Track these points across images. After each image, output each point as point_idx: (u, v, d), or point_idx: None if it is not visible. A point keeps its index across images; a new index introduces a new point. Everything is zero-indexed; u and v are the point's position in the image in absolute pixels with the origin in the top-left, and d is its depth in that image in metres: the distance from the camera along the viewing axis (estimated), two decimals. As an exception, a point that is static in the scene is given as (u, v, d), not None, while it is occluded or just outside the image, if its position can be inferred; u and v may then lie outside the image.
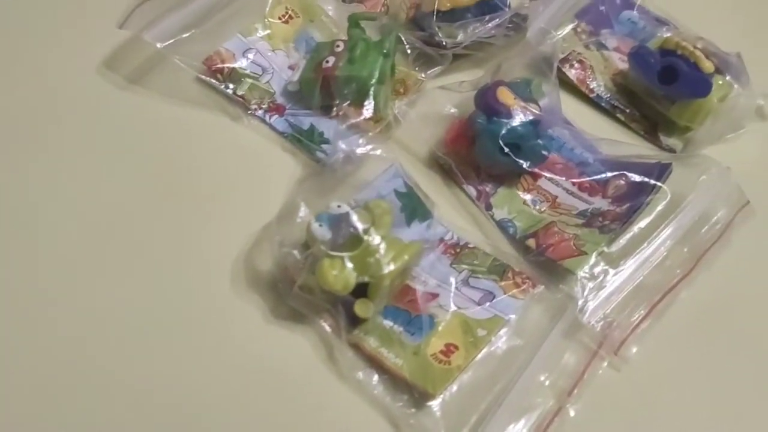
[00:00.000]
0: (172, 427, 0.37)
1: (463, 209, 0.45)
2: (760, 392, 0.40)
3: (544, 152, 0.43)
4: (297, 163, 0.46)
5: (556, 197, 0.45)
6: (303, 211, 0.39)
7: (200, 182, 0.45)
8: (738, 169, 0.46)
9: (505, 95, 0.43)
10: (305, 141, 0.46)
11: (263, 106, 0.48)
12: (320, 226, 0.38)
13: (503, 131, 0.42)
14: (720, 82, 0.46)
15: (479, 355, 0.39)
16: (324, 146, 0.45)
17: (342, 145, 0.42)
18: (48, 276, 0.41)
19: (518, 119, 0.43)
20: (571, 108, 0.50)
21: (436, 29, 0.48)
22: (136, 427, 0.37)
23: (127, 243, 0.43)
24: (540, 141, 0.43)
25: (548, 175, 0.46)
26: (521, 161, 0.43)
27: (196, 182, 0.45)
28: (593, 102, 0.50)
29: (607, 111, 0.50)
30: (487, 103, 0.43)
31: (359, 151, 0.42)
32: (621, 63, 0.51)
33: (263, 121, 0.47)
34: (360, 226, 0.37)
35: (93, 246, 0.42)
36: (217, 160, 0.46)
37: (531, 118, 0.43)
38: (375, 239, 0.37)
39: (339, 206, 0.39)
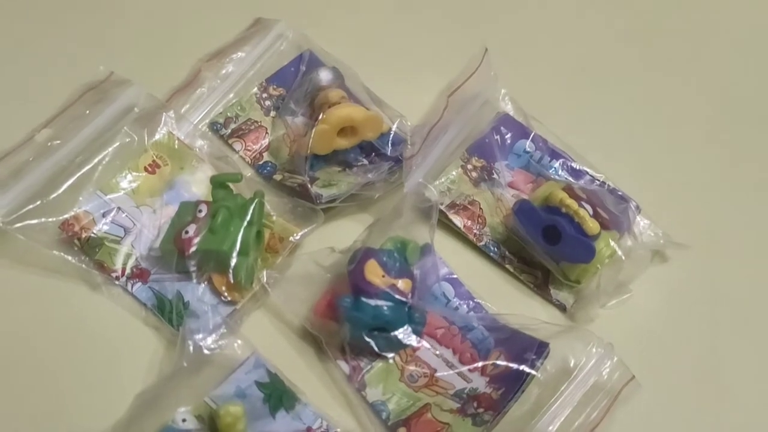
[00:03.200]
0: None
1: (336, 388, 0.42)
2: None
3: (410, 341, 0.41)
4: (159, 340, 0.43)
5: (435, 371, 0.43)
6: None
7: (50, 367, 0.42)
8: (627, 325, 0.45)
9: (372, 273, 0.41)
10: (164, 319, 0.43)
11: (126, 273, 0.44)
12: (158, 451, 0.35)
13: (368, 318, 0.40)
14: (603, 244, 0.44)
15: None
16: (182, 328, 0.41)
17: (196, 338, 0.39)
18: None
19: (385, 305, 0.40)
20: (459, 258, 0.47)
21: (308, 182, 0.45)
22: None
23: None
24: (408, 327, 0.41)
25: (428, 341, 0.44)
26: (385, 353, 0.41)
27: (45, 366, 0.42)
28: (482, 250, 0.48)
29: (496, 261, 0.47)
30: (354, 284, 0.41)
31: (213, 346, 0.39)
32: (514, 201, 0.49)
33: (125, 290, 0.44)
34: (196, 458, 0.35)
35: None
36: (72, 339, 0.43)
37: (400, 300, 0.40)
38: (215, 470, 0.35)
39: (184, 420, 0.37)
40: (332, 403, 0.42)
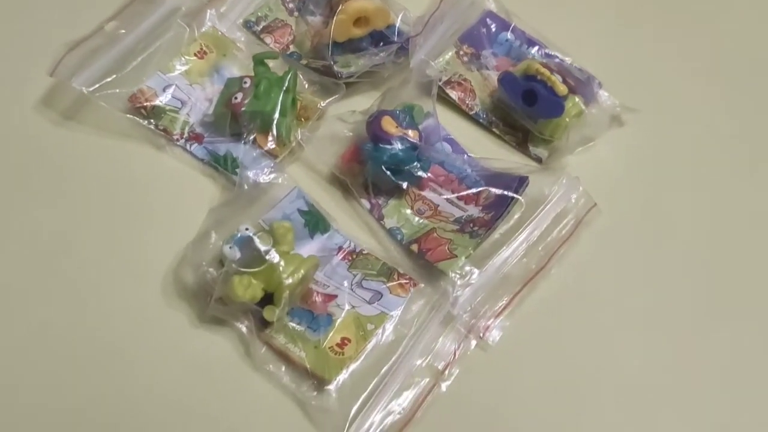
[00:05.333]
0: (111, 418, 0.45)
1: (360, 219, 0.53)
2: (600, 365, 0.49)
3: (420, 173, 0.51)
4: (215, 185, 0.53)
5: (438, 206, 0.53)
6: (213, 237, 0.47)
7: (132, 207, 0.52)
8: (591, 173, 0.55)
9: (388, 124, 0.51)
10: (221, 167, 0.53)
11: (184, 136, 0.55)
12: (230, 248, 0.46)
13: (386, 157, 0.50)
14: (571, 104, 0.54)
15: (368, 346, 0.47)
16: (238, 170, 0.52)
17: (249, 174, 0.50)
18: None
19: (398, 146, 0.50)
20: (454, 124, 0.58)
21: (331, 62, 0.56)
22: (75, 424, 0.44)
23: (70, 263, 0.50)
24: (417, 164, 0.51)
25: (432, 186, 0.54)
26: (401, 182, 0.51)
27: (129, 207, 0.52)
28: (473, 118, 0.58)
29: (485, 126, 0.58)
30: (373, 133, 0.51)
31: (264, 179, 0.50)
32: (497, 83, 0.59)
33: (185, 149, 0.54)
34: (262, 248, 0.45)
35: (39, 267, 0.49)
36: (145, 187, 0.53)
37: (410, 144, 0.51)
38: (275, 258, 0.45)
39: (246, 229, 0.47)
40: (357, 231, 0.53)
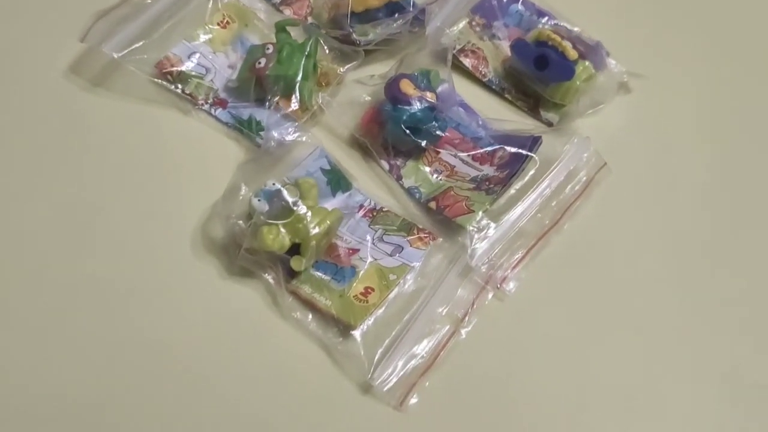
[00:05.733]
0: (144, 366, 0.47)
1: (379, 180, 0.55)
2: (612, 314, 0.51)
3: (438, 132, 0.53)
4: (240, 148, 0.56)
5: (454, 167, 0.56)
6: (243, 190, 0.49)
7: (160, 168, 0.54)
8: (601, 136, 0.57)
9: (406, 86, 0.53)
10: (245, 130, 0.55)
11: (209, 101, 0.57)
12: (259, 200, 0.48)
13: (405, 117, 0.52)
14: (581, 68, 0.56)
15: (391, 295, 0.49)
16: (262, 133, 0.54)
17: (275, 134, 0.52)
18: (37, 249, 0.50)
19: (417, 106, 0.53)
20: (468, 91, 0.60)
21: (350, 30, 0.58)
22: (109, 372, 0.46)
23: (104, 221, 0.52)
24: (435, 123, 0.53)
25: (448, 148, 0.56)
26: (420, 140, 0.53)
27: (157, 168, 0.54)
28: (486, 85, 0.60)
29: (497, 92, 0.60)
30: (393, 94, 0.53)
31: (289, 138, 0.52)
32: (509, 50, 0.62)
33: (209, 113, 0.56)
34: (290, 199, 0.47)
35: (74, 226, 0.51)
36: (173, 149, 0.55)
37: (427, 104, 0.53)
38: (302, 209, 0.47)
39: (273, 184, 0.49)
40: (377, 190, 0.55)
